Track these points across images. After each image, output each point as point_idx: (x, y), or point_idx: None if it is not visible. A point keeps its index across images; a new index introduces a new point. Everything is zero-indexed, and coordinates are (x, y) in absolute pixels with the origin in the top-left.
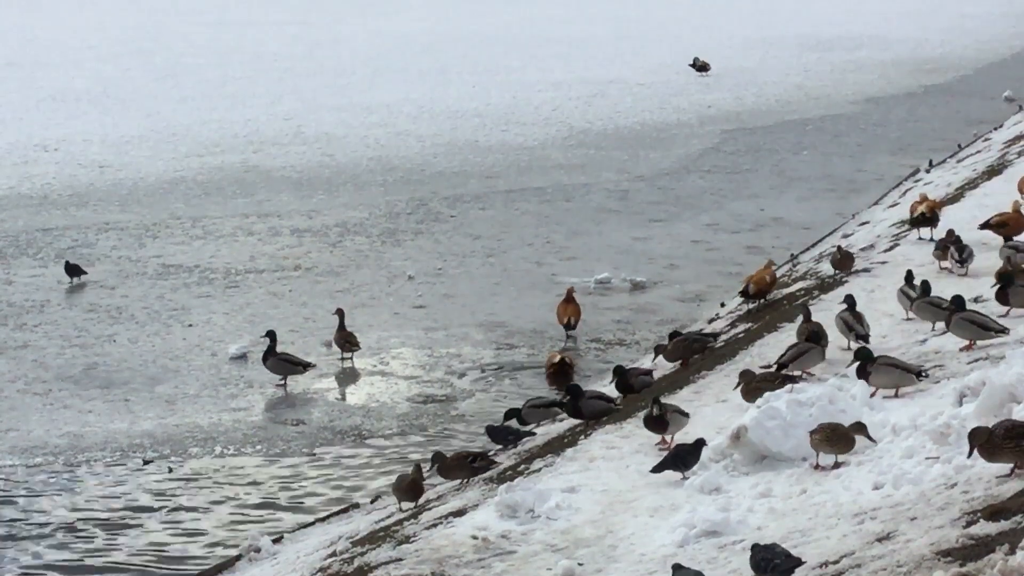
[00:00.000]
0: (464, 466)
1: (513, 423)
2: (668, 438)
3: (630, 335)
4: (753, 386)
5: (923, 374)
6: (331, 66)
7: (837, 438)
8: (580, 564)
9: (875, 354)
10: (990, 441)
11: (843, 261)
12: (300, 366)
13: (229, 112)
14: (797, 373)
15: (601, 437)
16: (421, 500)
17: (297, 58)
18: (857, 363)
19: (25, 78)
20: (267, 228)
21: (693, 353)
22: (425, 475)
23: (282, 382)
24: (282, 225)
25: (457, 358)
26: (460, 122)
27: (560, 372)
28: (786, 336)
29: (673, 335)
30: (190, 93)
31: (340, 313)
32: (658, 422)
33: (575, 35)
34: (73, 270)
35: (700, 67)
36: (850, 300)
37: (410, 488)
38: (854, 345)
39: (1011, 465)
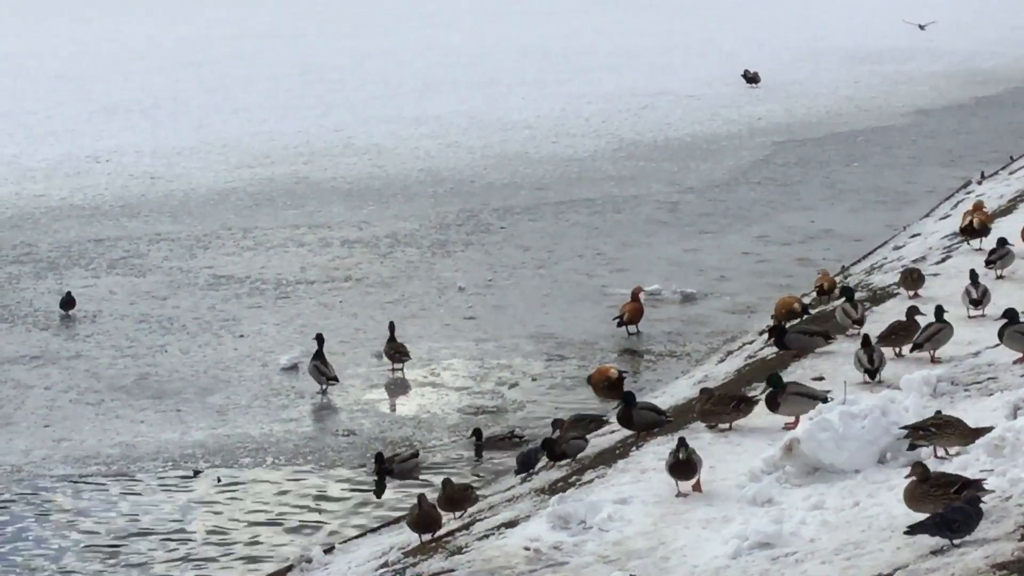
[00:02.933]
0: (469, 498)
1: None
2: (693, 482)
3: (680, 347)
4: (707, 408)
5: (827, 399)
6: (381, 78)
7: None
8: None
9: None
10: None
11: (914, 282)
12: (324, 376)
13: (280, 123)
14: (752, 395)
15: (653, 448)
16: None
17: (347, 70)
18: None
19: (77, 90)
20: (318, 239)
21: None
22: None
23: (322, 389)
24: (332, 236)
25: (507, 369)
26: (510, 134)
27: (614, 387)
28: (837, 348)
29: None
30: (241, 105)
31: (391, 325)
32: (684, 467)
33: (625, 47)
34: (68, 303)
35: (750, 79)
36: (866, 339)
37: (422, 521)
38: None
39: None
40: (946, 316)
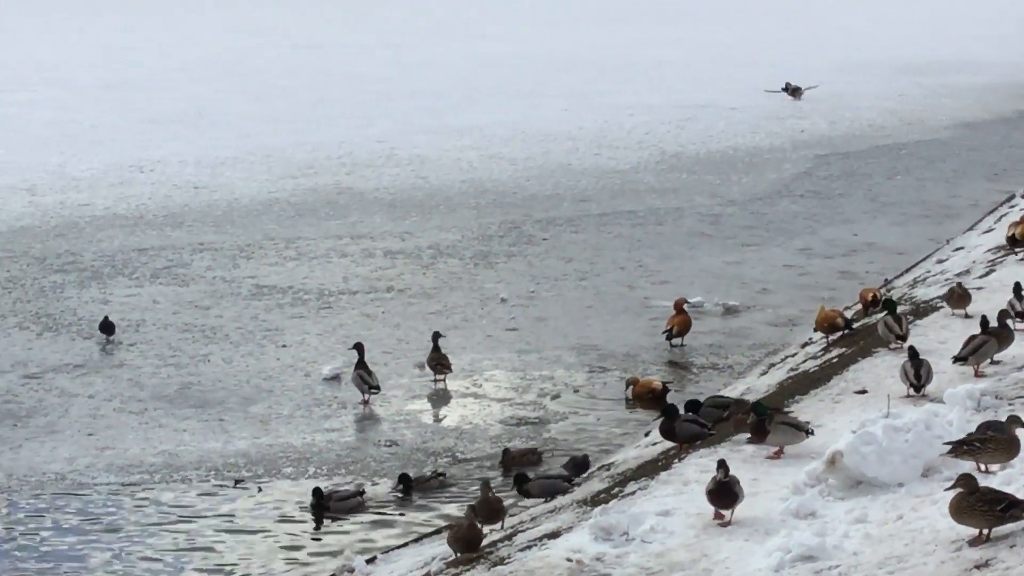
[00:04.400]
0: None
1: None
2: (728, 515)
3: (723, 359)
4: (741, 417)
5: (809, 432)
6: (424, 88)
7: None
8: None
9: None
10: None
11: (960, 299)
12: (367, 385)
13: (322, 134)
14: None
15: (695, 461)
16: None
17: (390, 80)
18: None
19: (122, 100)
20: (360, 250)
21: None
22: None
23: (364, 399)
24: (375, 247)
25: (550, 381)
26: (553, 145)
27: (658, 399)
28: (880, 361)
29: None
30: (284, 115)
31: (436, 336)
32: (724, 491)
33: (668, 59)
34: (107, 328)
35: (793, 91)
36: (912, 351)
37: (464, 538)
38: (912, 393)
39: None
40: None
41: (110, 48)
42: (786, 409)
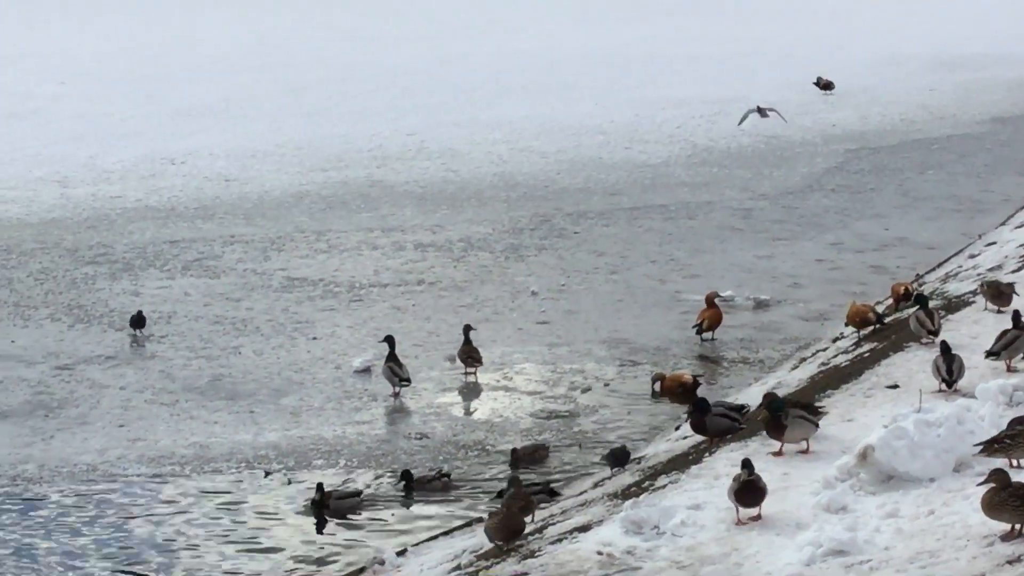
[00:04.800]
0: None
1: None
2: (756, 511)
3: (753, 353)
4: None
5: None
6: (455, 82)
7: None
8: None
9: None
10: None
11: (1000, 297)
12: (397, 377)
13: (353, 127)
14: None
15: (726, 455)
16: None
17: (421, 74)
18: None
19: (153, 93)
20: (391, 242)
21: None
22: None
23: (395, 391)
24: (406, 240)
25: (580, 374)
26: (584, 139)
27: (689, 392)
28: (912, 356)
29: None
30: (315, 108)
31: (467, 329)
32: (750, 490)
33: (699, 53)
34: (139, 322)
35: (824, 85)
36: (944, 345)
37: (504, 527)
38: (944, 388)
39: None
40: None
41: (141, 40)
42: (817, 404)
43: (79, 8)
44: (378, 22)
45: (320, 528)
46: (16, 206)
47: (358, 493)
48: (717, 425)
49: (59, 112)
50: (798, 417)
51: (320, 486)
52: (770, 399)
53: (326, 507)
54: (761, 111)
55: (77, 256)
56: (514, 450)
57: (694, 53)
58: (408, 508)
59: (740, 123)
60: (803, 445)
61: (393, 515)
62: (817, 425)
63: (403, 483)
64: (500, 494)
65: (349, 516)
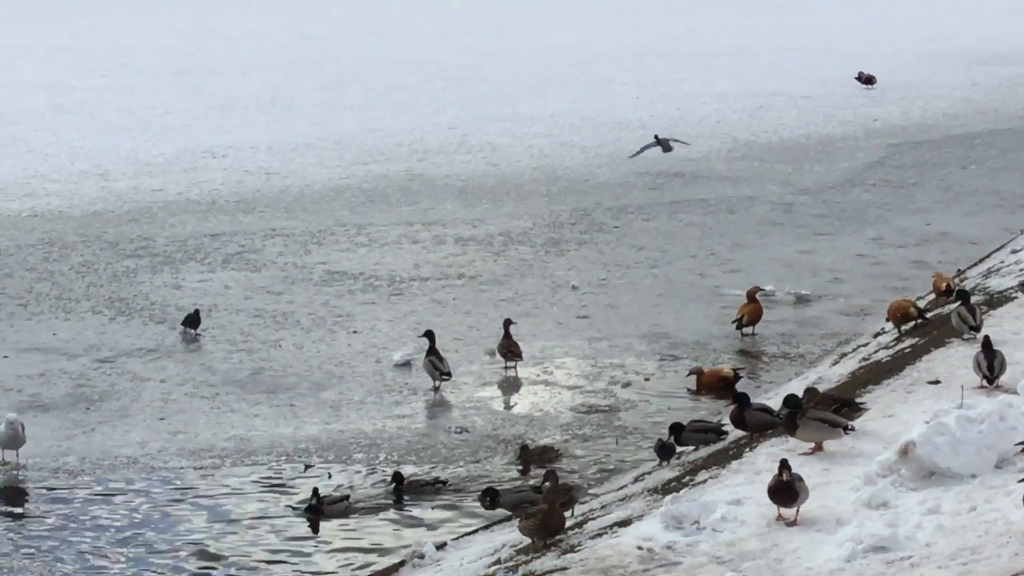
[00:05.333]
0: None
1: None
2: (792, 513)
3: (794, 348)
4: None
5: (848, 428)
6: (496, 76)
7: None
8: None
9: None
10: None
11: None
12: (438, 371)
13: (394, 121)
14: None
15: (767, 450)
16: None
17: (462, 68)
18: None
19: (195, 86)
20: (431, 236)
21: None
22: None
23: (435, 385)
24: (446, 233)
25: (620, 368)
26: (624, 133)
27: (729, 387)
28: (954, 351)
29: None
30: (356, 102)
31: (507, 323)
32: (786, 490)
33: (740, 47)
34: (193, 322)
35: (865, 80)
36: (987, 341)
37: (546, 525)
38: (985, 384)
39: None
40: None
41: (183, 34)
42: (858, 400)
43: (122, 2)
44: (420, 17)
45: (312, 526)
46: (58, 199)
47: (345, 497)
48: (757, 420)
49: (101, 105)
50: (814, 420)
51: (316, 490)
52: (791, 397)
53: (320, 512)
54: (662, 143)
55: (118, 249)
56: (524, 446)
57: (735, 47)
58: (445, 506)
59: (633, 156)
60: (813, 445)
61: (432, 510)
62: (847, 428)
63: (393, 485)
64: (537, 490)
65: (340, 519)
